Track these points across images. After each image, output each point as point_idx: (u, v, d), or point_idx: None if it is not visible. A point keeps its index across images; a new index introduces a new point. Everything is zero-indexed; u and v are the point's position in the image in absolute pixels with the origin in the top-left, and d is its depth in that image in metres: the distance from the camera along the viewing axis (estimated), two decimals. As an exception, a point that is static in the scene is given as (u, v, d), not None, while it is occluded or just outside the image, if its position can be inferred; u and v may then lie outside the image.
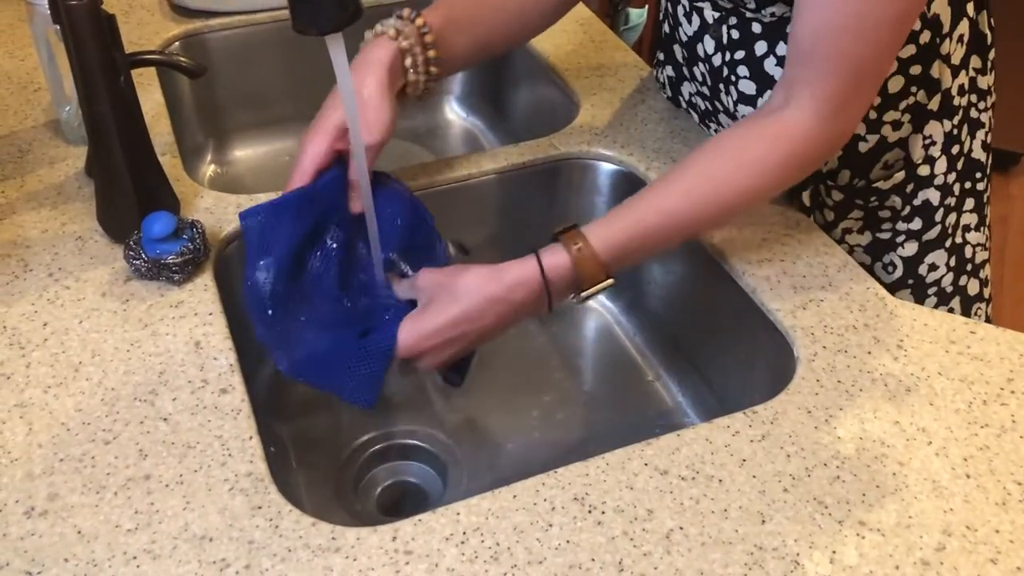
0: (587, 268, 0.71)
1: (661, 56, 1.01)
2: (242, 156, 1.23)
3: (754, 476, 0.64)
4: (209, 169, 1.20)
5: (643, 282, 0.99)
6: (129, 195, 0.78)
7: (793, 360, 0.73)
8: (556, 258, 0.71)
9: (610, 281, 0.72)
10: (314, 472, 0.86)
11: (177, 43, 1.14)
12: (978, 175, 0.92)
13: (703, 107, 0.95)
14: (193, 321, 0.74)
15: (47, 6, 0.80)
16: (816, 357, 0.73)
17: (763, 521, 0.61)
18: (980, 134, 0.91)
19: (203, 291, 0.77)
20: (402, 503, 0.88)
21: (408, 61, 0.78)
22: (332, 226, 0.75)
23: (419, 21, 0.79)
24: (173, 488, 0.61)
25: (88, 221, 0.83)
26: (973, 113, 0.89)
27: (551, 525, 0.60)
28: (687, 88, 0.97)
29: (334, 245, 0.75)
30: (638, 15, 1.75)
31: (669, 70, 0.99)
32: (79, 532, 0.59)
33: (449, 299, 0.71)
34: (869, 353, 0.73)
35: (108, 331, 0.73)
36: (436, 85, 0.82)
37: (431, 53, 0.79)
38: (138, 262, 0.76)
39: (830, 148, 0.74)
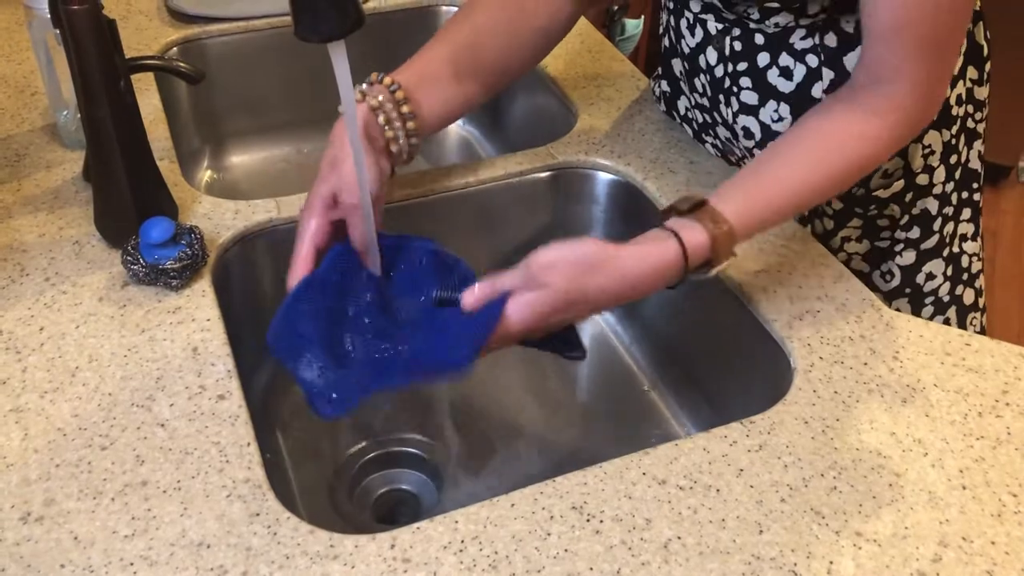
0: (723, 247, 0.69)
1: (659, 70, 1.02)
2: (239, 162, 1.23)
3: (751, 486, 0.64)
4: (206, 175, 1.20)
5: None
6: (127, 200, 0.78)
7: (790, 371, 0.74)
8: (695, 236, 0.68)
9: (734, 256, 0.71)
10: (309, 479, 0.86)
11: (175, 49, 1.14)
12: (974, 185, 0.93)
13: (700, 120, 0.95)
14: (191, 327, 0.74)
15: (46, 10, 0.80)
16: (813, 368, 0.73)
17: (760, 531, 0.61)
18: (976, 144, 0.92)
19: (201, 297, 0.77)
20: (397, 511, 0.87)
21: (381, 119, 0.77)
22: (353, 299, 0.71)
23: (387, 80, 0.78)
24: (170, 494, 0.61)
25: (85, 226, 0.83)
26: (970, 123, 0.90)
27: (549, 534, 0.60)
28: (683, 103, 0.98)
29: (366, 319, 0.71)
30: (634, 25, 1.75)
31: (664, 84, 1.00)
32: (75, 538, 0.58)
33: (574, 280, 0.66)
34: (865, 364, 0.73)
35: (105, 336, 0.73)
36: (420, 144, 0.81)
37: (405, 108, 0.78)
38: (136, 267, 0.76)
39: (926, 121, 0.76)
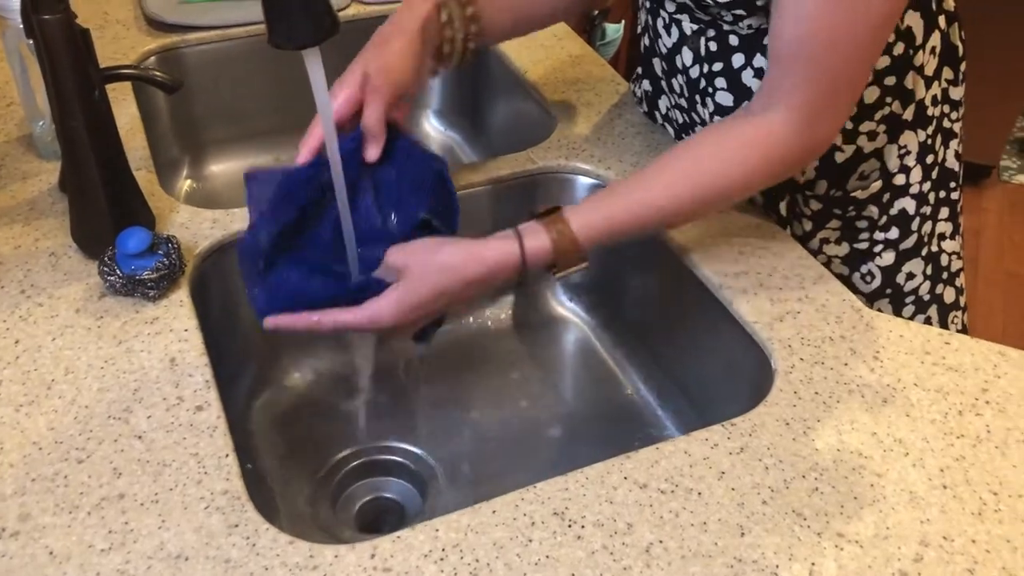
0: (566, 252, 0.73)
1: (639, 71, 1.02)
2: (219, 171, 1.22)
3: (733, 488, 0.64)
4: (185, 184, 1.20)
5: (622, 295, 1.00)
6: (103, 210, 0.77)
7: (771, 372, 0.74)
8: (537, 241, 0.72)
9: (584, 264, 0.75)
10: (292, 489, 0.85)
11: (153, 58, 1.13)
12: (952, 184, 0.93)
13: (680, 120, 0.95)
14: (168, 337, 0.73)
15: (19, 20, 0.79)
16: (793, 369, 0.73)
17: (742, 534, 0.61)
18: (953, 144, 0.92)
19: (179, 307, 0.76)
20: (381, 519, 0.87)
21: (444, 15, 0.79)
22: (315, 214, 0.75)
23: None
24: (148, 507, 0.61)
25: (62, 237, 0.82)
26: (946, 123, 0.90)
27: (531, 540, 0.60)
28: (664, 102, 0.98)
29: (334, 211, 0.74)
30: (614, 30, 1.76)
31: (646, 84, 1.00)
32: (51, 553, 0.58)
33: (430, 274, 0.71)
34: (846, 364, 0.73)
35: (82, 348, 0.72)
36: (478, 49, 0.83)
37: (469, 11, 0.80)
38: (112, 278, 0.75)
39: (807, 154, 0.75)
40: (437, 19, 0.79)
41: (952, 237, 0.95)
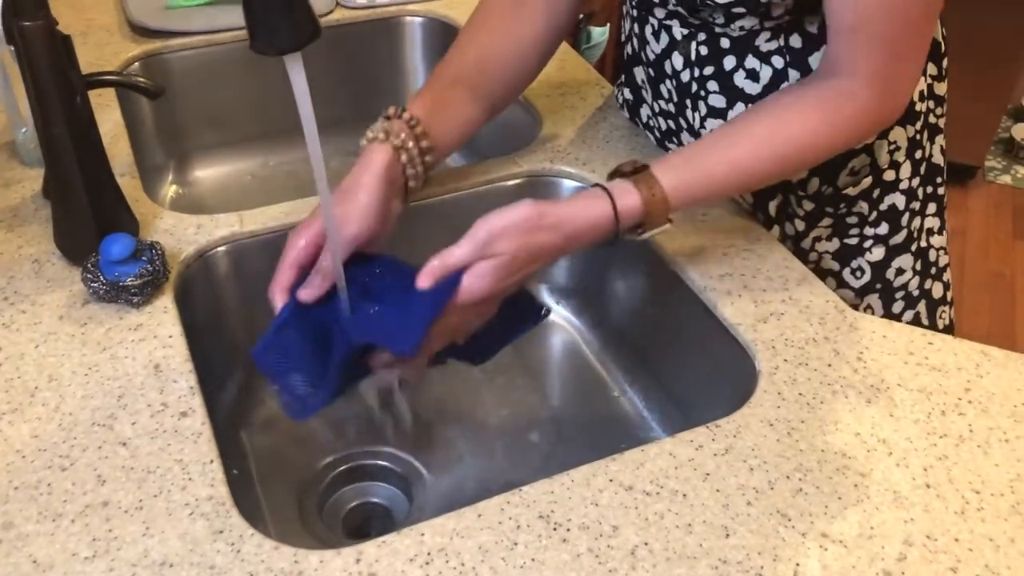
0: (656, 213, 0.73)
1: (623, 77, 1.02)
2: (204, 176, 1.22)
3: (718, 490, 0.64)
4: (171, 190, 1.19)
5: (608, 298, 1.00)
6: (86, 217, 0.77)
7: (755, 373, 0.74)
8: (629, 200, 0.72)
9: (668, 225, 0.74)
10: (278, 494, 0.85)
11: (137, 63, 1.13)
12: (938, 179, 0.94)
13: (664, 127, 0.96)
14: (153, 344, 0.73)
15: (1, 27, 0.79)
16: (777, 370, 0.73)
17: (727, 535, 0.61)
18: (938, 139, 0.93)
19: (163, 313, 0.76)
20: (368, 524, 0.87)
21: (404, 157, 0.78)
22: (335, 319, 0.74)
23: (406, 115, 0.79)
24: (132, 514, 0.61)
25: (45, 243, 0.82)
26: (932, 119, 0.91)
27: (516, 544, 0.60)
28: (644, 111, 0.98)
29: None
30: (600, 33, 1.76)
31: (627, 92, 1.00)
32: (34, 561, 0.57)
33: (528, 233, 0.70)
34: (829, 365, 0.74)
35: (65, 355, 0.72)
36: (433, 171, 0.83)
37: (424, 143, 0.79)
38: (96, 285, 0.75)
39: (883, 118, 0.77)
40: (397, 162, 0.78)
41: (939, 232, 0.96)
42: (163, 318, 0.75)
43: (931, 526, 0.62)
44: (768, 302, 0.80)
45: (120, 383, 0.70)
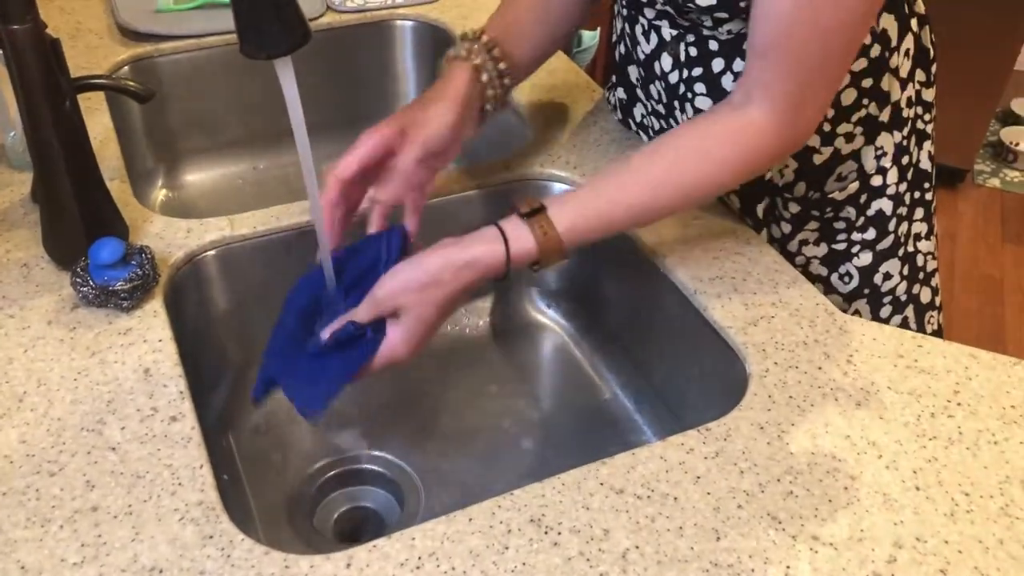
0: (550, 252, 0.74)
1: (614, 79, 1.02)
2: (194, 180, 1.22)
3: (708, 493, 0.64)
4: (160, 194, 1.19)
5: (599, 302, 1.00)
6: (75, 221, 0.77)
7: (745, 376, 0.74)
8: (522, 243, 0.73)
9: (564, 260, 0.76)
10: (268, 500, 0.85)
11: (126, 67, 1.13)
12: (926, 185, 0.94)
13: (656, 127, 0.96)
14: (142, 348, 0.73)
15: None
16: (768, 373, 0.73)
17: (718, 538, 0.61)
18: (927, 145, 0.93)
19: (152, 317, 0.76)
20: (359, 529, 0.87)
21: (484, 77, 0.83)
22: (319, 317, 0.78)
23: (485, 38, 0.84)
24: (121, 519, 0.60)
25: (34, 248, 0.82)
26: (920, 125, 0.91)
27: (507, 548, 0.60)
28: (639, 110, 0.98)
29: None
30: (590, 37, 1.76)
31: (621, 92, 1.01)
32: (23, 567, 0.57)
33: (427, 298, 0.72)
34: (820, 368, 0.74)
35: (54, 360, 0.71)
36: (511, 94, 0.88)
37: (502, 65, 0.84)
38: (85, 289, 0.75)
39: (787, 147, 0.76)
40: (478, 82, 0.83)
41: (927, 237, 0.96)
42: (153, 322, 0.75)
43: (921, 528, 0.63)
44: (758, 305, 0.80)
45: (109, 388, 0.69)
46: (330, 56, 1.24)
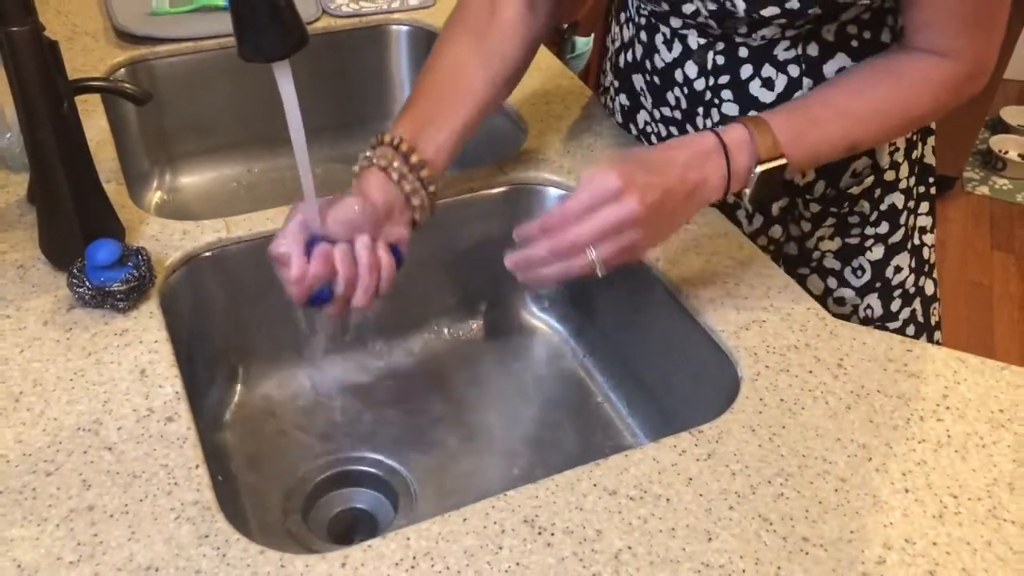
0: (764, 140, 0.74)
1: (615, 83, 1.02)
2: (189, 182, 1.22)
3: (700, 494, 0.65)
4: (156, 196, 1.19)
5: (593, 305, 1.01)
6: (72, 222, 0.77)
7: (737, 379, 0.75)
8: (734, 131, 0.74)
9: (784, 161, 0.75)
10: (263, 501, 0.85)
11: (123, 69, 1.13)
12: (930, 179, 0.96)
13: (664, 133, 0.96)
14: (138, 349, 0.73)
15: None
16: (759, 376, 0.74)
17: (709, 539, 0.62)
18: (930, 140, 0.96)
19: (148, 318, 0.76)
20: (353, 530, 0.87)
21: (395, 175, 0.76)
22: None
23: (387, 137, 0.77)
24: (117, 518, 0.61)
25: (30, 249, 0.82)
26: None
27: (501, 548, 0.60)
28: (643, 117, 0.99)
29: None
30: (584, 43, 1.77)
31: (623, 98, 1.01)
32: (19, 566, 0.57)
33: (647, 160, 0.73)
34: (810, 372, 0.75)
35: (50, 360, 0.72)
36: (438, 192, 0.81)
37: (414, 159, 0.77)
38: (82, 290, 0.75)
39: (979, 87, 0.80)
40: (391, 184, 0.76)
41: (931, 230, 0.98)
42: (149, 323, 0.76)
43: (909, 530, 0.63)
44: (750, 309, 0.81)
45: (105, 388, 0.70)
46: (325, 60, 1.24)
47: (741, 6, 0.78)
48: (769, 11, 0.77)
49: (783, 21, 0.79)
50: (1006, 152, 2.90)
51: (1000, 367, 0.76)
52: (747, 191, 0.76)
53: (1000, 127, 3.01)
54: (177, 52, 1.15)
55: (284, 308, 0.94)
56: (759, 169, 0.75)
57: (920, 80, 0.77)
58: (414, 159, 0.77)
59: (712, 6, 0.81)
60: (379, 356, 1.00)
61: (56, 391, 0.69)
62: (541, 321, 1.06)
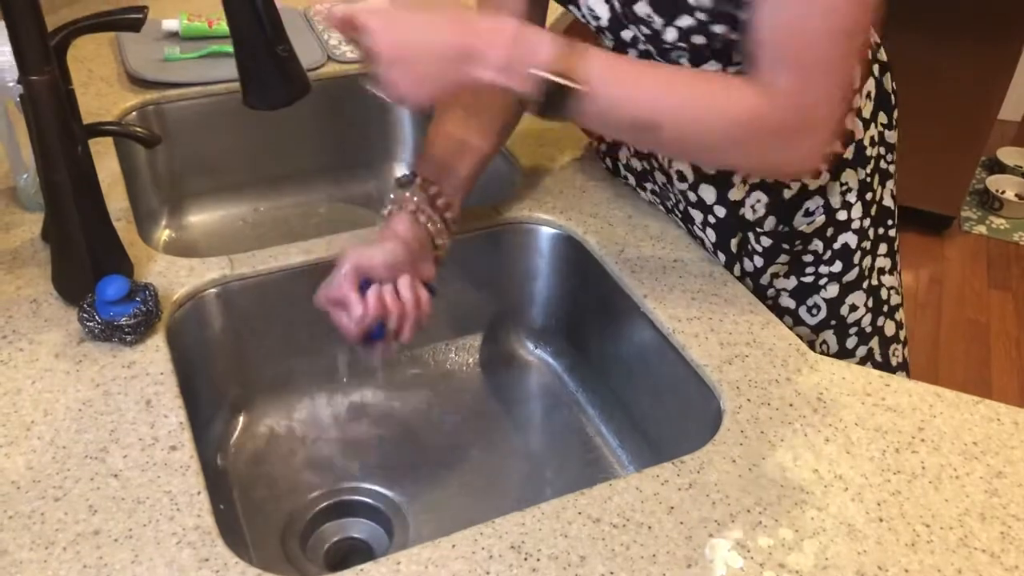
0: (569, 57, 0.70)
1: None
2: (197, 221, 1.26)
3: (681, 522, 0.67)
4: (165, 234, 1.23)
5: (586, 341, 1.03)
6: (83, 259, 0.81)
7: (720, 412, 0.78)
8: (536, 32, 0.71)
9: (580, 87, 0.70)
10: (262, 530, 0.88)
11: (134, 113, 1.18)
12: (889, 222, 0.99)
13: (639, 168, 1.00)
14: (145, 380, 0.76)
15: (7, 79, 0.84)
16: (741, 409, 0.77)
17: (689, 565, 0.64)
18: (889, 184, 0.99)
19: (155, 351, 0.79)
20: (349, 560, 0.89)
21: (423, 218, 0.85)
22: None
23: (419, 181, 0.86)
24: (122, 542, 0.63)
25: (43, 285, 0.85)
26: (883, 164, 0.97)
27: (488, 572, 0.63)
28: (623, 152, 1.03)
29: None
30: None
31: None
32: (28, 587, 0.60)
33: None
34: (791, 405, 0.78)
35: (61, 391, 0.75)
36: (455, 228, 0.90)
37: (440, 202, 0.86)
38: (91, 324, 0.78)
39: (797, 128, 0.75)
40: (420, 226, 0.85)
41: (891, 272, 1.01)
42: (155, 356, 0.79)
43: (883, 557, 0.66)
44: (733, 344, 0.83)
45: (112, 418, 0.73)
46: (331, 104, 1.29)
47: (659, 20, 0.79)
48: (683, 21, 0.79)
49: (702, 40, 0.79)
50: (1003, 192, 2.94)
51: (975, 401, 0.79)
52: (532, 98, 0.72)
53: (997, 167, 3.04)
54: (186, 96, 1.20)
55: (285, 343, 0.97)
56: (540, 73, 0.70)
57: (725, 98, 0.74)
58: (440, 202, 0.86)
59: (645, 31, 0.82)
60: (377, 390, 1.03)
61: (65, 420, 0.72)
62: (535, 356, 1.09)
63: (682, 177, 0.93)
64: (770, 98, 0.73)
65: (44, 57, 0.72)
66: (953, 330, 2.47)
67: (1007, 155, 3.06)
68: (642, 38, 0.85)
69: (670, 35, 0.80)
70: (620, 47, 0.92)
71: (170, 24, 1.27)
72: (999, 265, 2.73)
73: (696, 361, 0.82)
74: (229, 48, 1.24)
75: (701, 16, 0.77)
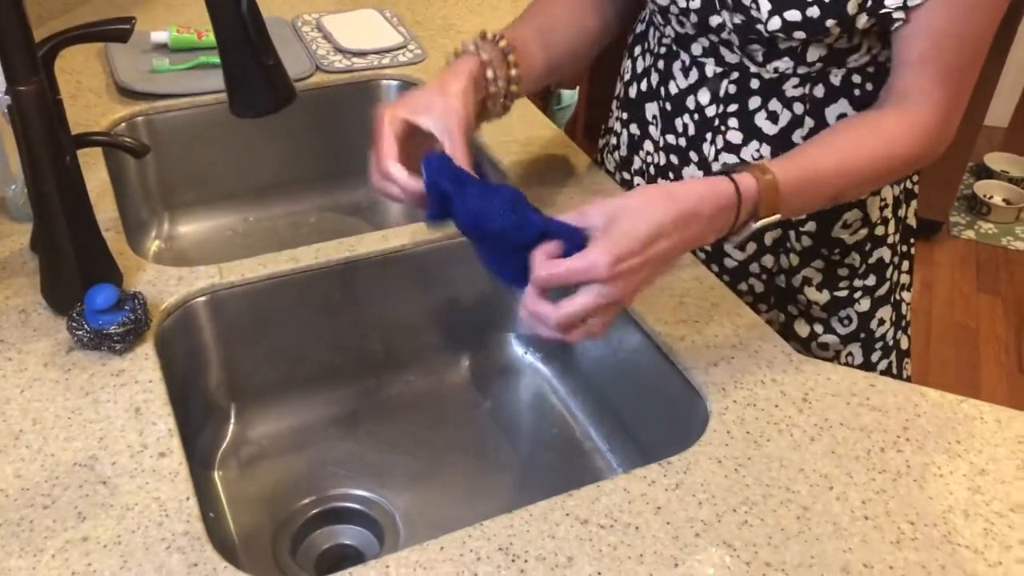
0: (768, 197, 0.74)
1: (623, 116, 1.05)
2: (187, 231, 1.26)
3: (668, 523, 0.68)
4: (155, 244, 1.23)
5: (574, 347, 1.04)
6: (72, 269, 0.81)
7: (706, 413, 0.78)
8: (746, 180, 0.73)
9: (777, 216, 0.75)
10: (252, 537, 0.88)
11: (123, 124, 1.18)
12: (911, 240, 1.01)
13: (663, 162, 1.00)
14: (134, 388, 0.77)
15: (-4, 91, 0.84)
16: (727, 411, 0.78)
17: (676, 564, 0.65)
18: (913, 203, 1.00)
19: (144, 359, 0.80)
20: (339, 566, 0.89)
21: (490, 73, 0.85)
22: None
23: (503, 43, 0.86)
24: (111, 548, 0.64)
25: (32, 294, 0.86)
26: (908, 184, 0.98)
27: (476, 574, 0.63)
28: (647, 146, 1.02)
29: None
30: (569, 96, 1.83)
31: (634, 127, 1.04)
32: (16, 593, 0.60)
33: (643, 210, 0.69)
34: (776, 406, 0.78)
35: (50, 400, 0.75)
36: (511, 105, 0.90)
37: (513, 72, 0.86)
38: (80, 333, 0.79)
39: (942, 144, 0.83)
40: (483, 76, 0.85)
41: (909, 288, 1.02)
42: (144, 364, 0.79)
43: (868, 555, 0.66)
44: (719, 347, 0.84)
45: (101, 425, 0.73)
46: (319, 114, 1.30)
47: (766, 7, 0.81)
48: (791, 15, 0.81)
49: (802, 36, 0.82)
50: (991, 197, 2.96)
51: (958, 400, 0.80)
52: (734, 238, 0.76)
53: (984, 173, 3.07)
54: (175, 107, 1.20)
55: (275, 350, 0.98)
56: (756, 225, 0.75)
57: (899, 135, 0.80)
58: (513, 72, 0.86)
59: (738, 19, 0.84)
60: (367, 396, 1.03)
61: (55, 429, 0.73)
62: (526, 362, 1.09)
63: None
64: (922, 126, 0.80)
65: (32, 67, 0.73)
66: (943, 335, 2.48)
67: (994, 160, 3.08)
68: (730, 26, 0.85)
69: (773, 24, 0.82)
70: (697, 33, 0.90)
71: (159, 36, 1.27)
72: (988, 269, 2.75)
73: (683, 364, 0.83)
74: (218, 59, 1.25)
75: (812, 13, 0.79)
